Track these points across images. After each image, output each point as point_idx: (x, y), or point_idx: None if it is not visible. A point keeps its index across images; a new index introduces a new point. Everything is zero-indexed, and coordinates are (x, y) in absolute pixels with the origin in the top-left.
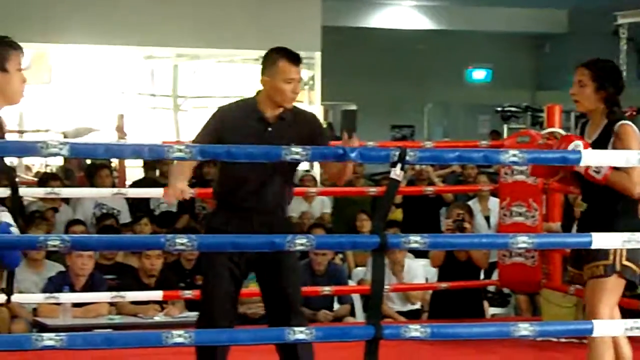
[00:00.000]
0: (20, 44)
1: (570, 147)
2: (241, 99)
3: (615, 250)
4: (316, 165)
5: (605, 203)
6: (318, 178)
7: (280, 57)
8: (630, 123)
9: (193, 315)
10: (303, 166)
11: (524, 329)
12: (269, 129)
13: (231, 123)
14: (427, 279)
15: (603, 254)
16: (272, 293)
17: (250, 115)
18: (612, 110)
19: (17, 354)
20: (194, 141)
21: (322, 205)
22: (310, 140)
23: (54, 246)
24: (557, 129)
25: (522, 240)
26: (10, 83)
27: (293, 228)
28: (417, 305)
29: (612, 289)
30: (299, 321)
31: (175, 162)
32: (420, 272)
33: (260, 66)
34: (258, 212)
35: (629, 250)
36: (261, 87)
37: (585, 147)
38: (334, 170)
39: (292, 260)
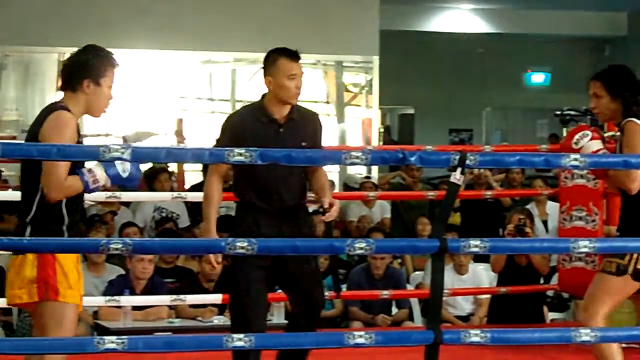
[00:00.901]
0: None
1: (576, 137)
2: (249, 104)
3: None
4: (374, 170)
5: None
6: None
7: (279, 55)
8: (635, 120)
9: None
10: (354, 171)
11: (585, 334)
12: (281, 130)
13: (244, 128)
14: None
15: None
16: (298, 298)
17: (260, 119)
18: (629, 110)
19: (78, 357)
20: None
21: (382, 210)
22: (314, 137)
23: (116, 249)
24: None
25: (584, 245)
26: (98, 97)
27: (315, 226)
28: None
29: (617, 291)
30: (317, 326)
31: (204, 194)
32: (484, 276)
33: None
34: (281, 211)
35: None
36: (266, 90)
37: (595, 138)
38: (317, 185)
39: (313, 267)
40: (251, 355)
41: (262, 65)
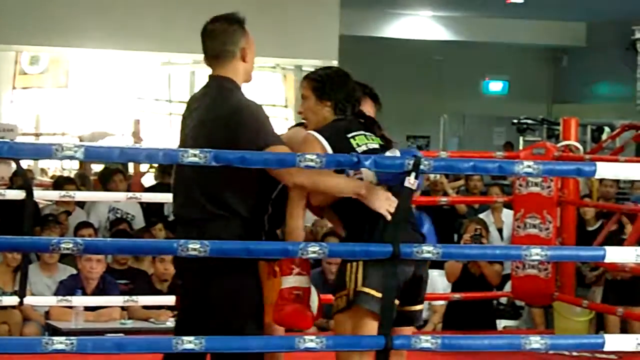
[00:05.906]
0: (38, 47)
1: None
2: None
3: (351, 275)
4: None
5: None
6: None
7: None
8: None
9: None
10: None
11: (535, 342)
12: None
13: None
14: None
15: (342, 282)
16: None
17: None
18: None
19: (29, 357)
20: None
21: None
22: None
23: (67, 249)
24: (572, 142)
25: (536, 253)
26: None
27: None
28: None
29: (350, 328)
30: None
31: None
32: (439, 283)
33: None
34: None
35: (366, 274)
36: None
37: None
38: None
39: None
40: None
41: None
